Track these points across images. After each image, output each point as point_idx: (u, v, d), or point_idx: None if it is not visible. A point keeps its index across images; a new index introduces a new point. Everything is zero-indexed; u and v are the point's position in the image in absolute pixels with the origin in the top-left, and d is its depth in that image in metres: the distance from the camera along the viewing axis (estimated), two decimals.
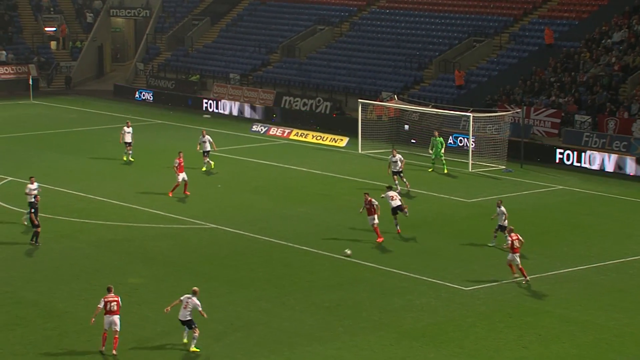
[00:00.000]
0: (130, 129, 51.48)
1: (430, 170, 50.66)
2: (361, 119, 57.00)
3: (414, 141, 54.85)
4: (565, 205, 44.55)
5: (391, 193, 38.99)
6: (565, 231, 40.31)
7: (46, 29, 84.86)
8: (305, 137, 59.95)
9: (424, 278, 33.68)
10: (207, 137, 49.63)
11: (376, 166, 51.63)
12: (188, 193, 44.22)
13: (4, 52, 79.56)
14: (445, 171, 50.35)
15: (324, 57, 71.48)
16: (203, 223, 40.20)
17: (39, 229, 36.75)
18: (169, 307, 27.84)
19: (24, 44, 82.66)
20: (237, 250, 37.03)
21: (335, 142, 58.68)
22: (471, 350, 27.88)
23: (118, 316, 27.21)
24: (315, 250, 36.89)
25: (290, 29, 75.66)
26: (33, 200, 37.98)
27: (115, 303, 27.36)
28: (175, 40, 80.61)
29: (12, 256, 35.81)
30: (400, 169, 45.38)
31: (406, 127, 57.31)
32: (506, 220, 36.85)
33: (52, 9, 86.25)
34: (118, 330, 27.03)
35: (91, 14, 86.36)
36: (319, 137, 59.58)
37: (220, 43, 78.19)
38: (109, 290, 27.68)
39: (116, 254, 36.16)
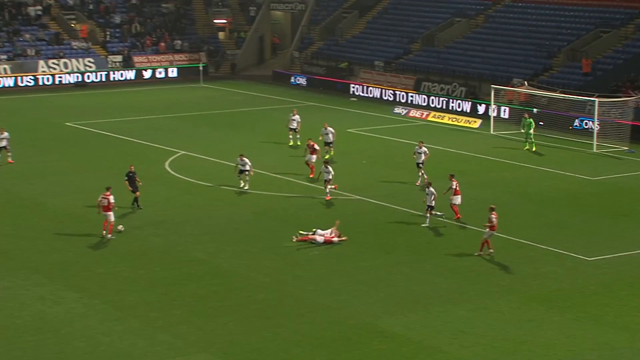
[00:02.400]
0: (297, 117, 50.09)
1: (525, 148, 49.95)
2: (493, 103, 56.21)
3: (542, 123, 53.67)
4: None
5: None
6: None
7: (215, 21, 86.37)
8: (442, 119, 59.43)
9: (550, 249, 33.05)
10: (330, 128, 46.41)
11: (507, 145, 50.90)
12: (312, 175, 43.04)
13: (178, 41, 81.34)
14: (534, 149, 49.61)
15: (460, 46, 70.59)
16: (349, 195, 40.32)
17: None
18: None
19: (196, 34, 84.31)
20: (379, 220, 37.02)
21: (469, 123, 58.00)
22: (593, 315, 27.26)
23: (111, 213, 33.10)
24: (450, 221, 36.57)
25: (430, 21, 74.98)
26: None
27: (106, 200, 33.11)
28: (327, 31, 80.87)
29: (184, 220, 36.60)
30: (422, 162, 41.76)
31: (535, 110, 56.17)
32: (434, 201, 35.47)
33: (220, 3, 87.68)
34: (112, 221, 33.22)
35: (254, 8, 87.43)
36: (454, 119, 58.99)
37: (367, 33, 78.07)
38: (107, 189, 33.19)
39: (273, 221, 36.59)
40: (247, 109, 63.78)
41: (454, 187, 36.76)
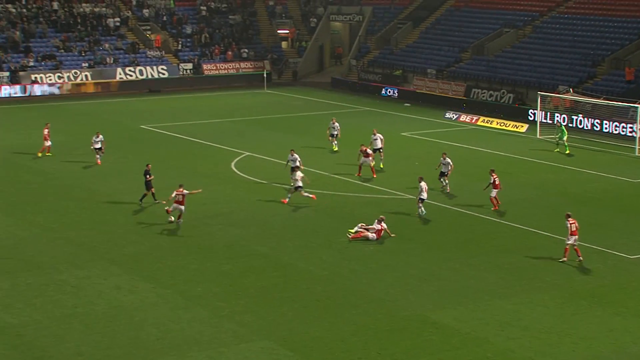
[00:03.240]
0: (336, 124, 49.52)
1: (556, 150, 49.78)
2: (540, 109, 55.59)
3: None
4: None
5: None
6: None
7: (279, 31, 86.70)
8: (490, 124, 58.91)
9: (593, 246, 32.55)
10: (379, 135, 44.96)
11: (552, 149, 50.33)
12: (375, 176, 43.13)
13: (245, 50, 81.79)
14: (567, 151, 49.12)
15: (508, 55, 69.94)
16: (401, 194, 40.16)
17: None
18: None
19: (261, 43, 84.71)
20: (430, 218, 36.79)
21: (517, 128, 57.39)
22: (635, 310, 26.79)
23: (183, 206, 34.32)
24: (497, 220, 36.24)
25: (480, 31, 74.41)
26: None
27: (180, 195, 34.24)
28: (382, 41, 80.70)
29: (248, 217, 36.77)
30: (448, 172, 39.93)
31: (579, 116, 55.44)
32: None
33: (283, 15, 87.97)
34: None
35: (314, 19, 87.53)
36: (502, 124, 58.42)
37: (420, 43, 77.73)
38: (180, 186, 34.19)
39: (331, 218, 36.57)
40: (307, 114, 63.87)
41: (493, 181, 37.09)
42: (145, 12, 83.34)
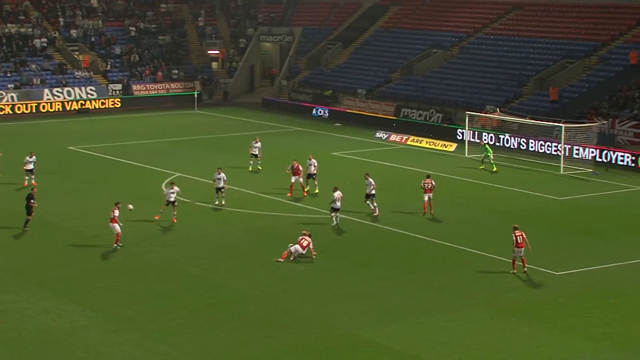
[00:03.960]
0: (258, 144, 49.75)
1: (481, 167, 51.07)
2: (468, 128, 56.46)
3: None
4: None
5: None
6: None
7: (209, 52, 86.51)
8: (420, 143, 59.57)
9: (519, 263, 33.07)
10: (314, 160, 44.19)
11: (480, 167, 51.15)
12: (305, 194, 43.58)
13: (175, 70, 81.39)
14: (494, 169, 50.43)
15: (437, 75, 70.91)
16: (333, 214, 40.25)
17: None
18: None
19: (191, 64, 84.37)
20: (362, 237, 37.03)
21: (446, 147, 58.15)
22: (561, 326, 27.27)
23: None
24: (428, 238, 36.62)
25: (408, 52, 75.31)
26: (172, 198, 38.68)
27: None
28: (313, 61, 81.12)
29: (180, 237, 36.49)
30: (372, 193, 39.61)
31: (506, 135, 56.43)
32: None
33: (213, 36, 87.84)
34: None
35: (244, 40, 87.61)
36: (431, 143, 59.13)
37: (350, 63, 78.33)
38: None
39: (263, 238, 36.53)
40: (238, 134, 63.77)
41: (425, 186, 39.99)
42: (73, 32, 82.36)
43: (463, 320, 27.56)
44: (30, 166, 44.95)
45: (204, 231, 37.40)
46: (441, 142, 58.85)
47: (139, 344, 25.57)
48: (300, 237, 33.65)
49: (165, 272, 31.95)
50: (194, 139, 60.93)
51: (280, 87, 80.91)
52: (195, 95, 76.44)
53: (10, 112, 71.40)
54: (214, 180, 41.21)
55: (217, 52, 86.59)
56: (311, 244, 33.66)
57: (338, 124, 68.08)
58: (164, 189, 40.18)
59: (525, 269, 31.97)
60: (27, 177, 45.00)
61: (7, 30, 79.75)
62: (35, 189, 38.13)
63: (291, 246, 33.41)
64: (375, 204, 40.01)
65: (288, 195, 43.53)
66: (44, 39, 79.89)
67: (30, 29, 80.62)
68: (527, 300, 29.60)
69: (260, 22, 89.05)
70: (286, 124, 67.97)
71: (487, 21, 74.94)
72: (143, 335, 26.18)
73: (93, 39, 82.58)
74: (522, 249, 31.87)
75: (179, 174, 48.30)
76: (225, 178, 41.07)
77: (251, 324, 27.22)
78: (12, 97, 72.58)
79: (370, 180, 39.92)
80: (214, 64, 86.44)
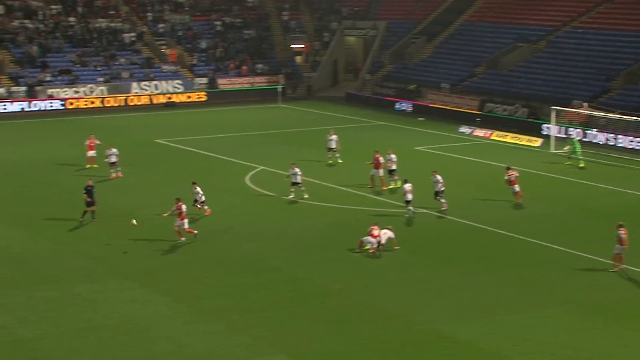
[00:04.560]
0: (334, 137, 49.79)
1: (567, 163, 49.86)
2: (554, 123, 55.44)
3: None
4: None
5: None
6: None
7: (293, 46, 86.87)
8: (504, 138, 58.77)
9: (609, 261, 32.27)
10: (393, 155, 43.64)
11: (566, 163, 50.18)
12: (385, 187, 43.45)
13: (259, 65, 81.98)
14: (582, 164, 49.04)
15: (522, 69, 69.83)
16: (416, 208, 39.97)
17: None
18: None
19: (275, 58, 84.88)
20: (444, 232, 36.70)
21: (531, 142, 57.22)
22: None
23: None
24: (511, 234, 36.07)
25: (494, 46, 74.36)
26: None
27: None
28: (396, 55, 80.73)
29: (262, 230, 36.72)
30: (441, 190, 39.37)
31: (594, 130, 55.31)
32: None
33: (298, 30, 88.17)
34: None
35: (328, 34, 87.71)
36: (516, 138, 58.28)
37: (434, 58, 77.73)
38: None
39: (344, 232, 36.47)
40: (321, 128, 63.85)
41: (510, 177, 40.28)
42: (161, 27, 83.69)
43: (547, 318, 27.04)
44: (113, 159, 45.85)
45: (285, 224, 37.55)
46: (526, 137, 57.94)
47: (222, 335, 25.81)
48: (370, 228, 33.45)
49: (247, 265, 32.18)
50: (278, 133, 61.23)
51: (363, 81, 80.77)
52: (279, 89, 76.87)
53: (100, 105, 72.97)
54: (288, 176, 41.32)
55: (301, 46, 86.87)
56: (392, 235, 33.48)
57: (421, 118, 67.62)
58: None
59: (622, 267, 31.12)
60: (112, 170, 45.89)
61: (97, 25, 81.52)
62: (90, 180, 38.73)
63: (365, 238, 33.36)
64: (443, 200, 39.48)
65: (369, 187, 43.43)
66: (133, 34, 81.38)
67: (119, 24, 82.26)
68: (615, 299, 28.88)
69: (344, 16, 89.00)
70: (369, 118, 67.82)
71: (576, 14, 73.43)
72: (226, 326, 26.42)
73: (180, 33, 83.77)
74: (625, 247, 30.97)
75: (262, 167, 48.60)
76: (300, 173, 41.11)
77: (332, 317, 27.20)
78: (101, 90, 74.17)
79: (438, 177, 39.47)
80: (298, 58, 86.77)
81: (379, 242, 33.25)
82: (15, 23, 78.80)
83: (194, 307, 27.93)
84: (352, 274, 31.18)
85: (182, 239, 34.56)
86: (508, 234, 36.15)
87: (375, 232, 33.33)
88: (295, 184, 41.16)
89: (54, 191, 43.45)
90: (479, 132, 60.39)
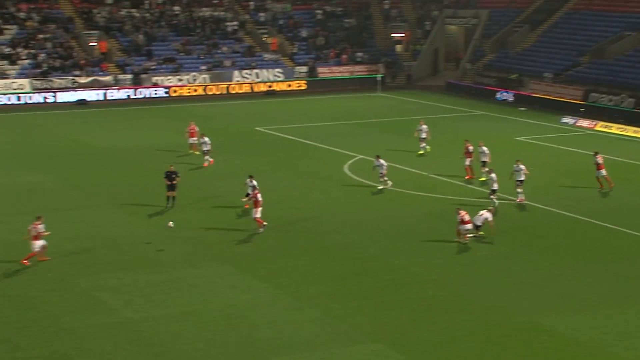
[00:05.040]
0: (424, 126, 49.55)
1: None
2: None
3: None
4: None
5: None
6: None
7: (393, 34, 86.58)
8: (609, 129, 57.38)
9: None
10: (484, 147, 43.17)
11: None
12: (468, 177, 43.17)
13: (359, 53, 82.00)
14: None
15: (630, 59, 67.94)
16: (513, 199, 39.42)
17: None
18: None
19: (375, 47, 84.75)
20: (544, 223, 36.12)
21: (638, 133, 55.70)
22: None
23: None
24: (614, 227, 35.26)
25: (600, 35, 72.55)
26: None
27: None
28: (498, 44, 79.61)
29: (360, 219, 36.81)
30: (522, 179, 38.63)
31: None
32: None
33: (398, 18, 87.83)
34: None
35: (429, 22, 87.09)
36: (622, 129, 56.82)
37: (537, 46, 76.34)
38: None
39: (442, 221, 36.21)
40: (421, 117, 63.49)
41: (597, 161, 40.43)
42: (262, 16, 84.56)
43: None
44: (206, 147, 46.59)
45: (382, 213, 37.57)
46: (633, 128, 56.44)
47: (320, 322, 26.04)
48: (460, 216, 33.06)
49: (345, 253, 32.34)
50: (377, 122, 61.20)
51: (464, 70, 79.95)
52: (379, 78, 76.73)
53: (203, 92, 74.26)
54: (374, 168, 41.40)
55: (402, 34, 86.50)
56: (490, 217, 33.22)
57: (523, 108, 66.60)
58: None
59: None
60: (206, 158, 46.64)
61: (201, 14, 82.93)
62: (172, 166, 39.29)
63: (460, 227, 33.06)
64: (520, 189, 38.68)
65: (466, 178, 43.04)
66: (235, 22, 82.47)
67: (222, 13, 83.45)
68: None
69: (445, 4, 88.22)
70: (469, 107, 67.14)
71: None
72: (325, 314, 26.64)
73: (281, 22, 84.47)
74: None
75: (361, 156, 48.68)
76: (385, 164, 41.02)
77: (430, 307, 27.16)
78: (204, 78, 75.45)
79: (521, 166, 38.81)
80: (398, 47, 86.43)
81: (475, 226, 32.98)
82: (123, 12, 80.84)
83: (293, 294, 28.24)
84: (449, 265, 31.02)
85: (260, 230, 34.68)
86: (611, 226, 35.36)
87: (466, 218, 33.01)
88: (381, 175, 41.08)
89: (156, 177, 44.41)
90: (582, 123, 59.15)
